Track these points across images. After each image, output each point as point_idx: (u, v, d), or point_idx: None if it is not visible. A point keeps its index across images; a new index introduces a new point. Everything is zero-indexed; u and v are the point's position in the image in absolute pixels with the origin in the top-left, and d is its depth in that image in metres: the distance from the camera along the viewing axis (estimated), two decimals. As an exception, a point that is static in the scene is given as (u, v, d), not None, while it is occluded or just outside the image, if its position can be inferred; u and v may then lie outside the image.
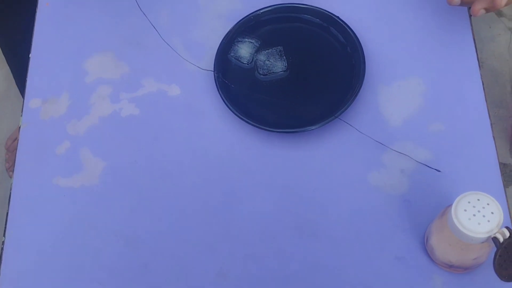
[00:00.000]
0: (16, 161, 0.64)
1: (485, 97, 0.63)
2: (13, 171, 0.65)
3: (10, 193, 0.63)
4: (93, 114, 0.66)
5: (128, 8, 0.71)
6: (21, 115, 0.67)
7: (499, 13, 1.34)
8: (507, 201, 0.57)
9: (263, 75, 0.65)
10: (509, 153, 1.19)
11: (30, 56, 0.70)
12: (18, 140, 0.66)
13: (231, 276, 0.57)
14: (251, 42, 0.66)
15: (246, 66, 0.65)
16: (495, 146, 0.60)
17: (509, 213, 0.57)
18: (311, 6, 0.67)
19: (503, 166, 1.18)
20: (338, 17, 0.66)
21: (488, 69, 1.27)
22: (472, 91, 0.63)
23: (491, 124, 0.62)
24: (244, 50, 0.66)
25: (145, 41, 0.69)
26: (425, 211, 0.58)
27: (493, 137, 0.61)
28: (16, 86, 1.12)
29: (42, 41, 0.70)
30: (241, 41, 0.66)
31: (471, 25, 0.66)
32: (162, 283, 0.57)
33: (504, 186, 0.58)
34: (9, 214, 0.62)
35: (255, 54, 0.66)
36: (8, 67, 1.22)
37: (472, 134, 0.61)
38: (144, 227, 0.60)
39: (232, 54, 0.66)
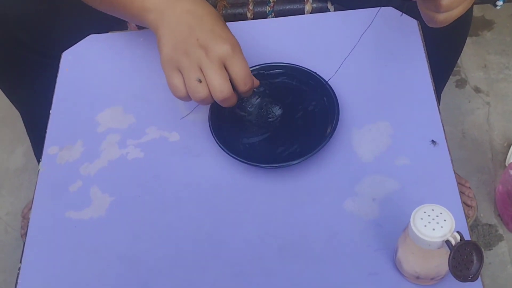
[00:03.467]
0: (34, 198, 0.73)
1: (445, 136, 0.72)
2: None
3: (28, 225, 0.71)
4: (103, 158, 0.75)
5: (135, 70, 0.82)
6: (40, 161, 0.76)
7: (477, 89, 1.46)
8: (465, 216, 0.65)
9: (262, 117, 0.75)
10: (493, 215, 1.25)
11: (50, 112, 0.80)
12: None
13: (222, 292, 0.64)
14: (252, 97, 0.76)
15: (245, 113, 0.75)
16: (454, 173, 0.68)
17: (469, 232, 0.64)
18: (291, 64, 0.78)
19: (488, 226, 1.24)
20: (315, 72, 0.77)
21: (470, 139, 1.37)
22: (433, 128, 0.72)
23: (451, 160, 0.70)
24: (251, 103, 0.76)
25: (150, 96, 0.79)
26: (395, 233, 0.64)
27: (454, 170, 0.70)
28: (34, 158, 1.22)
29: (61, 99, 0.81)
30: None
31: (431, 76, 0.77)
32: (160, 299, 0.64)
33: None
34: (26, 243, 0.69)
35: (255, 104, 0.76)
36: (28, 144, 1.33)
37: (433, 165, 0.70)
38: (145, 252, 0.67)
39: (239, 105, 0.74)
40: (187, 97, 0.67)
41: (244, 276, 0.64)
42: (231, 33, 0.68)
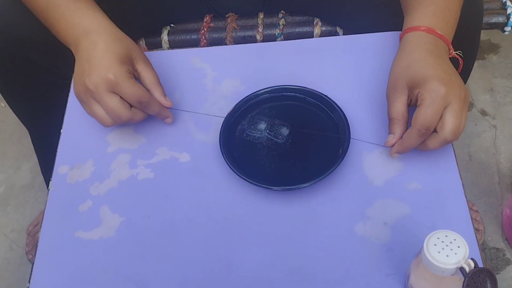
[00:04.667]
0: (43, 218, 0.73)
1: (456, 161, 0.72)
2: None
3: (37, 244, 0.71)
4: (113, 178, 0.75)
5: (147, 91, 0.83)
6: (51, 180, 0.76)
7: (483, 112, 1.46)
8: (477, 242, 0.64)
9: (272, 138, 0.75)
10: (501, 238, 1.25)
11: (61, 131, 0.80)
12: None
13: (231, 315, 0.63)
14: (262, 118, 0.77)
15: (255, 135, 0.75)
16: (465, 197, 0.68)
17: (481, 259, 0.64)
18: (301, 86, 0.78)
19: (496, 250, 1.23)
20: (325, 95, 0.77)
21: (476, 162, 1.37)
22: (444, 154, 0.72)
23: (463, 185, 0.70)
24: (261, 125, 0.76)
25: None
26: (406, 258, 0.64)
27: (465, 194, 0.69)
28: (41, 176, 1.22)
29: (72, 118, 0.81)
30: (256, 117, 0.77)
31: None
32: (169, 321, 0.63)
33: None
34: (35, 263, 0.69)
35: (264, 125, 0.76)
36: (34, 161, 1.33)
37: (444, 190, 0.69)
38: (153, 274, 0.67)
39: (250, 126, 0.76)
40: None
41: (253, 299, 0.64)
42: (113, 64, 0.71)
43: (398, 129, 0.70)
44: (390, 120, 0.71)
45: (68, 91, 0.85)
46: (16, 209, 1.41)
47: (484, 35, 1.61)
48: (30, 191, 1.43)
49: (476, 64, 1.53)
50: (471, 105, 1.48)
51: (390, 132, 0.71)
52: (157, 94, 0.75)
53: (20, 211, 1.40)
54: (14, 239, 1.35)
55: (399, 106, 0.70)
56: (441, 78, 0.67)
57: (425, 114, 0.66)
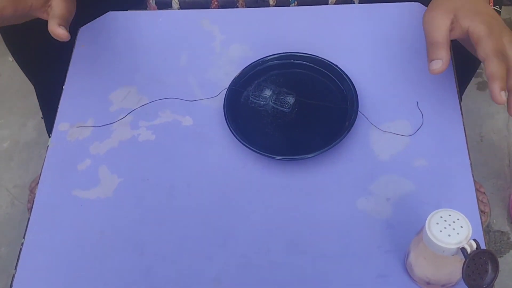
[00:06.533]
0: (41, 174, 0.72)
1: (466, 140, 0.70)
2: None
3: (33, 201, 0.70)
4: (114, 138, 0.74)
5: (152, 51, 0.81)
6: (50, 136, 0.75)
7: (498, 93, 1.43)
8: (481, 223, 0.62)
9: (278, 107, 0.73)
10: (506, 222, 1.23)
11: (63, 87, 0.79)
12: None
13: (225, 283, 0.62)
14: (268, 86, 0.75)
15: (261, 103, 0.73)
16: (473, 177, 0.66)
17: (485, 241, 0.63)
18: (311, 54, 0.76)
19: (500, 233, 1.21)
20: (336, 65, 0.75)
21: (488, 143, 1.34)
22: (454, 132, 0.70)
23: (471, 165, 0.68)
24: (266, 92, 0.74)
25: (165, 78, 0.78)
26: (407, 235, 0.63)
27: (472, 175, 0.67)
28: (46, 133, 1.21)
29: (75, 75, 0.80)
30: (262, 84, 0.75)
31: (455, 77, 0.74)
32: (163, 286, 0.62)
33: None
34: (30, 219, 0.68)
35: (270, 93, 0.74)
36: (40, 118, 1.32)
37: (452, 169, 0.67)
38: (150, 236, 0.66)
39: (256, 93, 0.74)
40: None
41: (249, 267, 0.63)
42: None
43: (445, 54, 0.63)
44: (434, 44, 0.64)
45: (73, 47, 0.83)
46: (19, 165, 1.40)
47: (505, 13, 1.57)
48: (34, 148, 1.43)
49: (494, 43, 1.49)
50: (485, 85, 1.44)
51: (434, 58, 0.64)
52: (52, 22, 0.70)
53: (24, 168, 1.39)
54: (17, 195, 1.35)
55: (445, 30, 0.65)
56: (492, 15, 0.64)
57: (490, 40, 0.62)
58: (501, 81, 0.61)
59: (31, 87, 1.08)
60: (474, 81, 1.43)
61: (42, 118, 1.17)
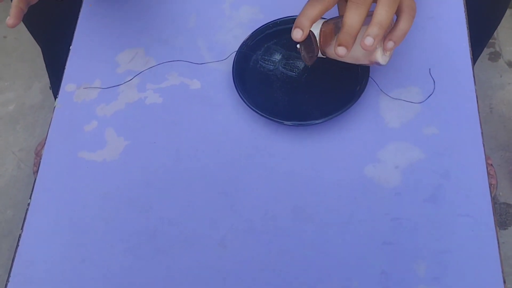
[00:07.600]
0: (47, 135, 0.71)
1: (478, 109, 0.69)
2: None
3: (40, 162, 0.70)
4: (121, 100, 0.73)
5: (160, 12, 0.79)
6: (57, 98, 0.74)
7: (510, 64, 1.41)
8: (491, 195, 0.62)
9: (287, 71, 0.72)
10: (513, 194, 1.23)
11: (70, 48, 0.78)
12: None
13: (231, 248, 0.62)
14: (278, 49, 0.73)
15: (270, 67, 0.72)
16: (483, 147, 0.65)
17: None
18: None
19: (506, 205, 1.21)
20: (347, 30, 0.73)
21: (497, 115, 1.33)
22: (466, 100, 0.69)
23: (482, 134, 0.67)
24: (276, 56, 0.73)
25: (173, 41, 0.76)
26: (414, 203, 0.62)
27: (483, 144, 0.66)
28: (51, 96, 1.21)
29: (82, 35, 0.78)
30: (272, 48, 0.74)
31: (470, 45, 0.73)
32: (168, 248, 0.62)
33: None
34: (37, 179, 0.68)
35: (280, 57, 0.73)
36: (46, 81, 1.31)
37: (462, 138, 0.66)
38: (156, 199, 0.65)
39: (265, 57, 0.73)
40: None
41: (254, 233, 0.63)
42: None
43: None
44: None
45: (80, 7, 0.81)
46: (25, 128, 1.40)
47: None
48: (40, 111, 1.42)
49: (508, 12, 1.47)
50: (498, 55, 1.42)
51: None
52: None
53: (29, 131, 1.39)
54: (22, 158, 1.35)
55: None
56: None
57: None
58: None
59: (37, 50, 1.07)
60: (486, 51, 1.41)
61: (49, 80, 1.16)
